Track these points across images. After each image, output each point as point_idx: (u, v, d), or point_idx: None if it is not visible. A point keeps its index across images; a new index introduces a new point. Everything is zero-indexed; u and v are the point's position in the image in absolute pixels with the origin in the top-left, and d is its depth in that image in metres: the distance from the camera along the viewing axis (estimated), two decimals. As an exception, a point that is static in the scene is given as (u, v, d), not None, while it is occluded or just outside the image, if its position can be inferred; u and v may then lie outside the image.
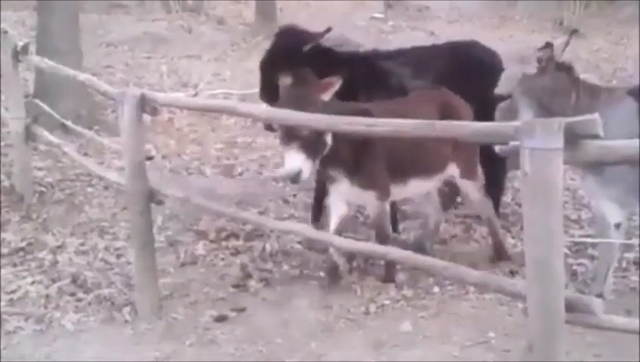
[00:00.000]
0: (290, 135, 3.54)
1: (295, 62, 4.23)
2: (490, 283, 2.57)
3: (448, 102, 4.17)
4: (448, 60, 4.54)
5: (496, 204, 4.63)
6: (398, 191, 4.12)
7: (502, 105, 3.67)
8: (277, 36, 4.57)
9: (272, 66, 4.36)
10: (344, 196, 3.98)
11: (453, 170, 4.22)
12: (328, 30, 4.46)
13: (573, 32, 3.79)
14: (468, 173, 4.25)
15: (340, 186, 3.93)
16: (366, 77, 4.36)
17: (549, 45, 3.56)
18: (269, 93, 4.27)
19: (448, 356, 3.29)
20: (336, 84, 3.71)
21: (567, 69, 3.59)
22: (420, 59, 4.60)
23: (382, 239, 3.93)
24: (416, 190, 4.25)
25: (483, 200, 4.36)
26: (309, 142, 3.56)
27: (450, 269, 2.69)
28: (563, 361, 2.23)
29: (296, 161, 3.54)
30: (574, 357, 3.02)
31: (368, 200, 3.97)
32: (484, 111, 3.95)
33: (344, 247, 3.35)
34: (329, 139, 3.68)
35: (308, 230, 3.55)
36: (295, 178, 3.59)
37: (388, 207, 4.03)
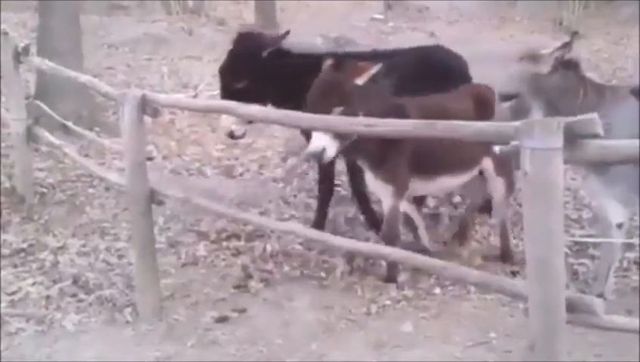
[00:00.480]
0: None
1: (254, 67, 4.27)
2: (491, 284, 2.57)
3: (483, 96, 4.18)
4: (413, 63, 4.52)
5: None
6: (425, 187, 4.14)
7: (509, 104, 3.57)
8: (235, 42, 4.53)
9: (231, 72, 4.38)
10: (370, 187, 4.10)
11: (487, 165, 4.20)
12: (286, 34, 4.48)
13: (575, 34, 3.74)
14: (502, 170, 4.21)
15: (367, 176, 4.00)
16: None
17: (568, 44, 3.52)
18: (230, 98, 4.13)
19: (450, 356, 3.29)
20: (373, 69, 3.73)
21: (574, 67, 3.55)
22: (383, 61, 4.59)
23: (389, 238, 3.92)
24: (447, 186, 4.26)
25: (505, 202, 4.33)
26: None
27: (450, 269, 2.70)
28: (564, 361, 2.24)
29: (322, 140, 3.54)
30: (576, 358, 3.02)
31: (384, 195, 3.98)
32: None
33: (345, 247, 3.35)
34: None
35: (308, 230, 3.55)
36: (319, 155, 3.58)
37: (402, 206, 4.04)
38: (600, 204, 3.60)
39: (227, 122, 4.48)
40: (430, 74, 4.37)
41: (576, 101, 3.46)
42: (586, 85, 3.54)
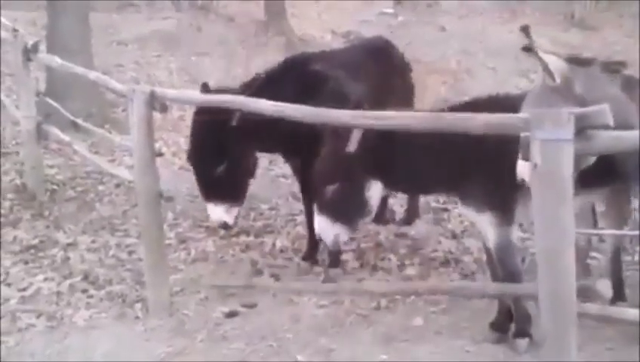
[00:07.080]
0: None
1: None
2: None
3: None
4: (367, 57, 4.48)
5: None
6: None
7: None
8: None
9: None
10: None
11: None
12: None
13: None
14: None
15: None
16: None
17: None
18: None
19: (460, 351, 3.27)
20: None
21: None
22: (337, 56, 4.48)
23: (510, 277, 3.01)
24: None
25: None
26: None
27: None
28: (575, 354, 2.21)
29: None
30: (588, 351, 2.99)
31: (484, 226, 3.09)
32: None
33: None
34: None
35: None
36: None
37: (514, 235, 3.07)
38: None
39: (216, 214, 4.05)
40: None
41: None
42: None
